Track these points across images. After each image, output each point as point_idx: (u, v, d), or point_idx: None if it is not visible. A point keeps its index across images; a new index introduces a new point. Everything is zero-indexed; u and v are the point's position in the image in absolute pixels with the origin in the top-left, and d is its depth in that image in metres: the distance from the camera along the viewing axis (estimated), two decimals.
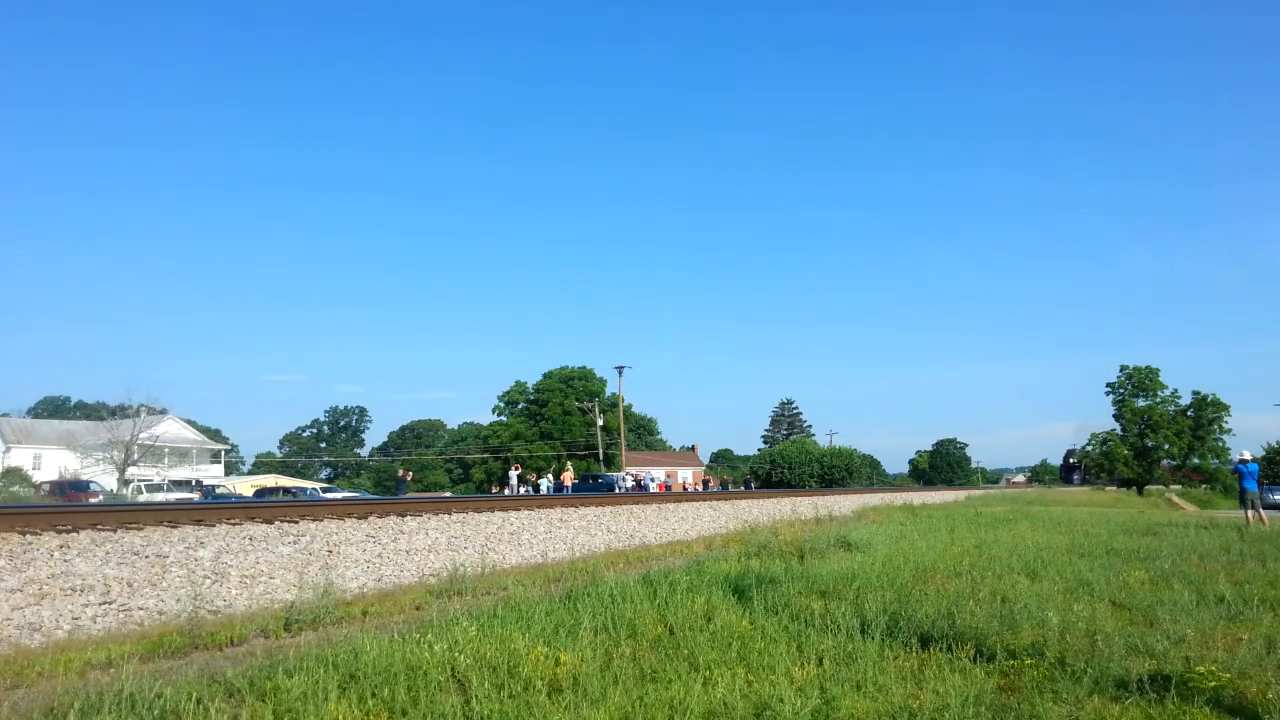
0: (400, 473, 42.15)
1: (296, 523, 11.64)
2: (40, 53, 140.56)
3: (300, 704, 4.15)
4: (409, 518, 13.33)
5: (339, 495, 42.19)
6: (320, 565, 9.79)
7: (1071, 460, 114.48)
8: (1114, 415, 77.22)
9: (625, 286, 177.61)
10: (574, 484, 42.53)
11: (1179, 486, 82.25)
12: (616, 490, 37.98)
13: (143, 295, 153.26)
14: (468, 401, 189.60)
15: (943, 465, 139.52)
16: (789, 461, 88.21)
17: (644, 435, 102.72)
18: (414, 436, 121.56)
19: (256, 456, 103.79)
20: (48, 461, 61.33)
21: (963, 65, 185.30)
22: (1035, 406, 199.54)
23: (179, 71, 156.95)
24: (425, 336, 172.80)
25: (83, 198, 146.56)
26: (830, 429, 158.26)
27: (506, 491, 44.12)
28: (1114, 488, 75.15)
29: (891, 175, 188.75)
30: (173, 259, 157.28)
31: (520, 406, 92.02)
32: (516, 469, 50.00)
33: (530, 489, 44.78)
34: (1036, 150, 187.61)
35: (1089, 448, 79.43)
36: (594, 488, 41.23)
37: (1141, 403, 75.82)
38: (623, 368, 65.91)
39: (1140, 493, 72.67)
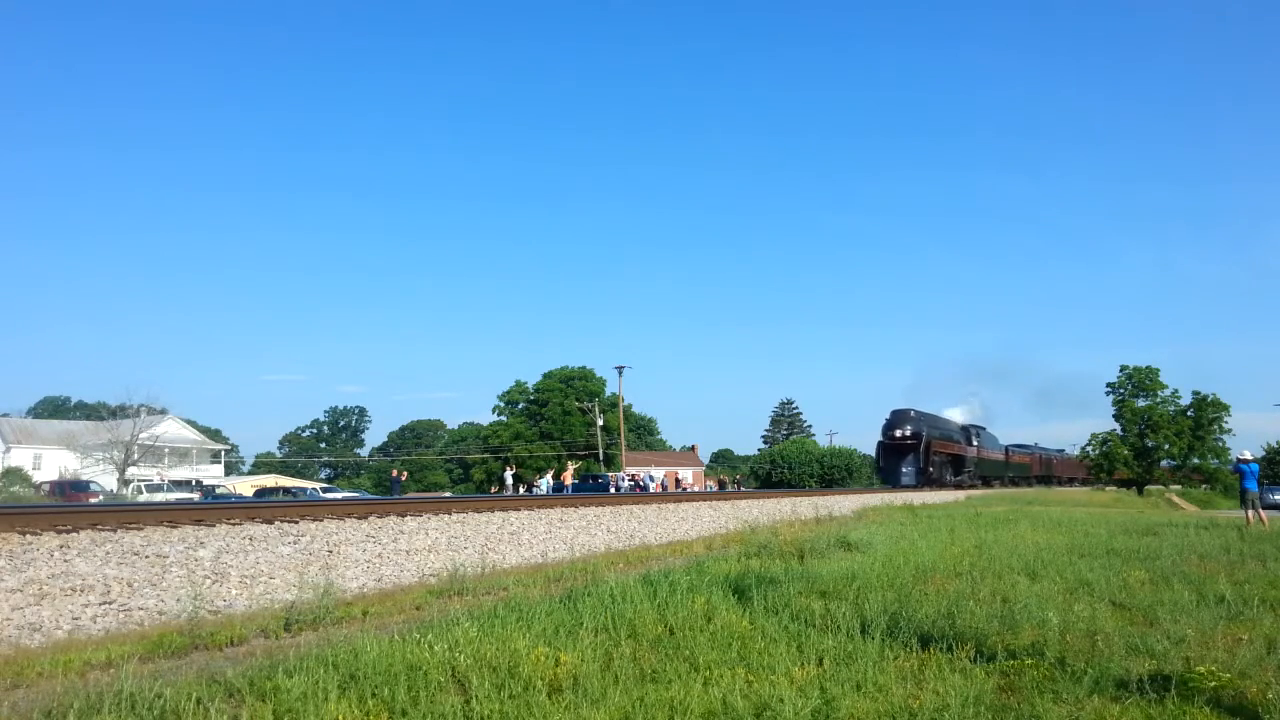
0: (394, 473, 42.24)
1: (296, 523, 11.64)
2: (39, 52, 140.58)
3: (300, 704, 4.15)
4: (409, 518, 13.33)
5: (339, 495, 42.21)
6: (320, 565, 9.78)
7: (901, 435, 49.37)
8: (1114, 415, 77.21)
9: (625, 286, 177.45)
10: (573, 484, 42.53)
11: (1179, 486, 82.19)
12: (611, 491, 37.94)
13: (143, 295, 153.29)
14: (468, 401, 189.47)
15: None
16: (789, 461, 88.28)
17: (644, 435, 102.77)
18: (414, 436, 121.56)
19: (256, 456, 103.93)
20: (48, 461, 61.35)
21: (962, 65, 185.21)
22: (1036, 406, 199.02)
23: (178, 71, 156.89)
24: (425, 336, 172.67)
25: (83, 198, 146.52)
26: (830, 429, 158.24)
27: (505, 492, 44.12)
28: (1114, 488, 75.10)
29: (891, 175, 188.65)
30: (173, 259, 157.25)
31: (520, 406, 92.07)
32: (512, 469, 50.07)
33: (527, 489, 44.78)
34: (1036, 150, 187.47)
35: (1088, 448, 79.18)
36: (593, 488, 41.26)
37: (1141, 403, 75.82)
38: (623, 368, 65.97)
39: (1140, 493, 72.64)
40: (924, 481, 48.28)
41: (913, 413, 51.15)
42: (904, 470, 49.40)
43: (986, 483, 59.84)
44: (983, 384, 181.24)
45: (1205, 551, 11.37)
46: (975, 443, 59.89)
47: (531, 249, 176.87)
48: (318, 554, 10.30)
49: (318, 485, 60.46)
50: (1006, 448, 69.32)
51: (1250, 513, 18.86)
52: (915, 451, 49.21)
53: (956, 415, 65.64)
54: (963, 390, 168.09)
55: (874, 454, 55.04)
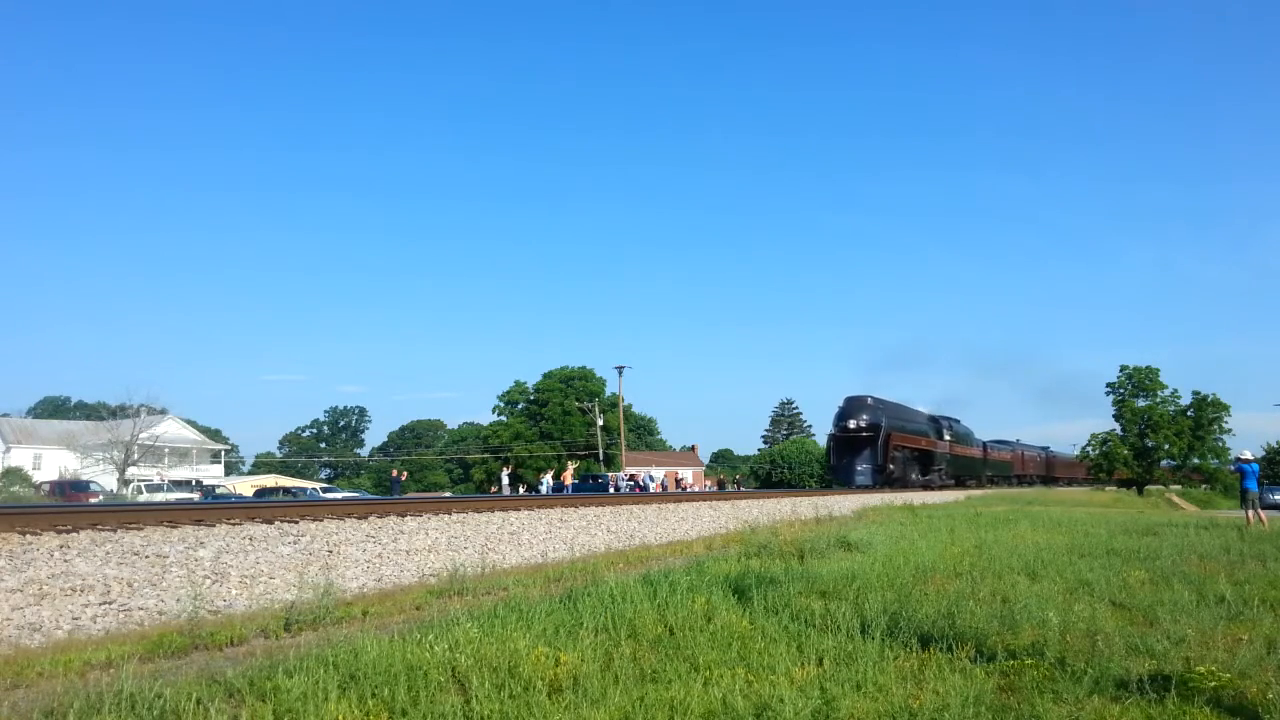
0: (394, 473, 42.31)
1: (296, 523, 11.64)
2: (39, 52, 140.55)
3: (300, 704, 4.15)
4: (409, 518, 13.33)
5: (339, 495, 42.28)
6: (320, 565, 9.78)
7: (855, 426, 42.43)
8: (1114, 415, 77.32)
9: (625, 286, 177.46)
10: (573, 484, 42.59)
11: (1179, 486, 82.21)
12: (610, 491, 37.91)
13: (143, 295, 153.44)
14: (468, 401, 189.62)
15: None
16: (789, 461, 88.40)
17: (644, 435, 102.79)
18: (414, 436, 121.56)
19: (256, 456, 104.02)
20: (48, 461, 61.38)
21: (962, 65, 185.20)
22: (1036, 407, 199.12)
23: (178, 71, 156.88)
24: (425, 336, 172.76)
25: (83, 198, 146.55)
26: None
27: (502, 492, 44.16)
28: (1113, 488, 75.07)
29: (891, 175, 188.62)
30: (173, 259, 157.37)
31: (520, 406, 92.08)
32: (508, 470, 50.22)
33: (528, 489, 44.79)
34: (1036, 150, 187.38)
35: (1088, 448, 78.98)
36: (593, 488, 41.29)
37: (1141, 403, 75.92)
38: (623, 368, 65.87)
39: (1140, 493, 72.67)
40: (882, 481, 41.56)
41: (870, 400, 43.96)
42: (859, 468, 42.24)
43: (960, 482, 53.35)
44: (985, 380, 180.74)
45: (1205, 551, 11.37)
46: (947, 437, 52.84)
47: (531, 249, 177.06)
48: (318, 554, 10.30)
49: (318, 485, 60.50)
50: (984, 443, 63.04)
51: (1250, 513, 18.85)
52: (872, 446, 42.01)
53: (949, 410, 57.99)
54: (956, 383, 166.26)
55: (825, 448, 48.20)
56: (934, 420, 52.51)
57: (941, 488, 47.70)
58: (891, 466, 42.33)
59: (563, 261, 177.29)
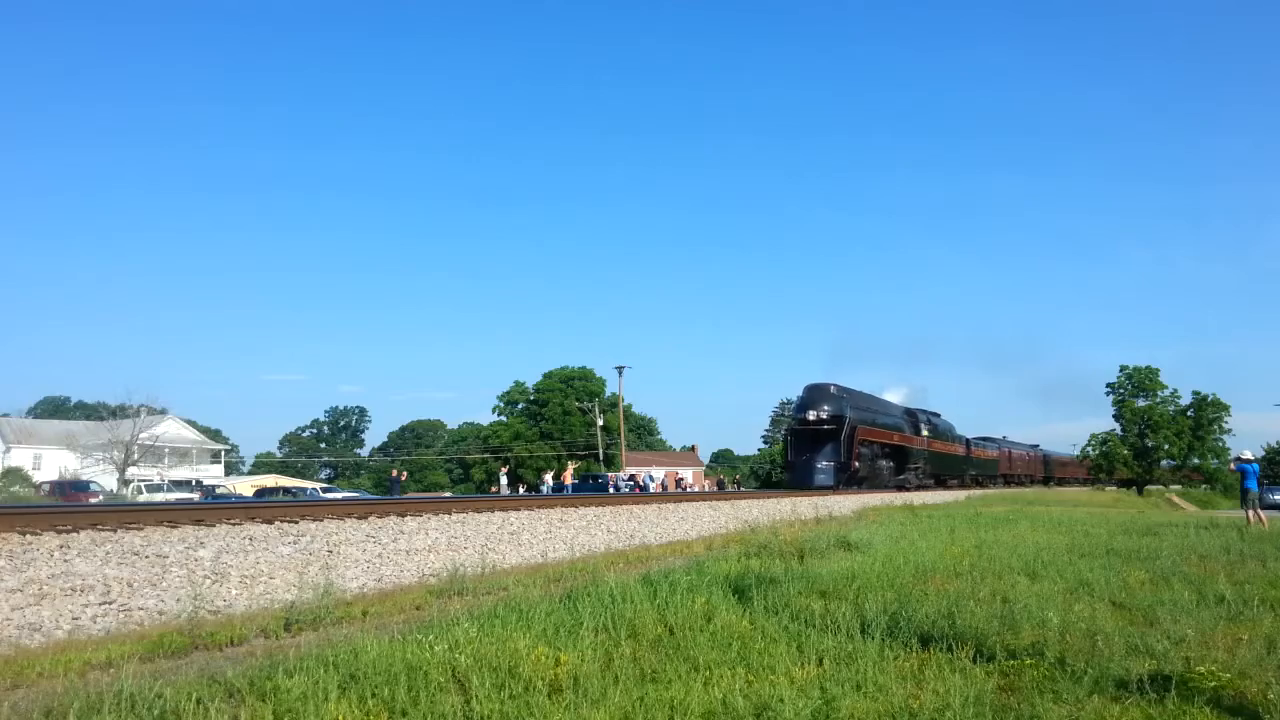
0: (394, 473, 42.35)
1: (296, 523, 11.64)
2: (39, 52, 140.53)
3: (300, 704, 4.15)
4: (409, 518, 13.33)
5: (339, 495, 42.25)
6: (320, 565, 9.78)
7: (816, 418, 37.30)
8: (1114, 415, 77.41)
9: (625, 286, 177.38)
10: (573, 484, 42.64)
11: (1179, 486, 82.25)
12: (610, 491, 37.87)
13: (142, 295, 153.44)
14: (468, 401, 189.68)
15: None
16: None
17: (644, 435, 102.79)
18: (414, 436, 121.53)
19: (256, 456, 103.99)
20: (48, 461, 61.39)
21: (962, 65, 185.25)
22: (1037, 407, 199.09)
23: (178, 70, 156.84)
24: (425, 336, 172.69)
25: (83, 198, 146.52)
26: None
27: (500, 492, 44.20)
28: (1114, 488, 75.09)
29: (891, 175, 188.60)
30: (173, 259, 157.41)
31: (520, 406, 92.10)
32: (505, 469, 50.36)
33: (529, 489, 44.87)
34: (1036, 150, 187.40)
35: (1088, 448, 78.88)
36: (592, 488, 41.33)
37: (1141, 403, 75.99)
38: (623, 368, 65.83)
39: (1140, 493, 72.71)
40: (847, 480, 36.50)
41: (833, 388, 38.66)
42: (819, 465, 36.72)
43: (940, 482, 48.67)
44: (984, 380, 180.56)
45: (1205, 551, 11.37)
46: (924, 432, 47.43)
47: (531, 249, 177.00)
48: (318, 554, 10.30)
49: (318, 485, 60.51)
50: (968, 440, 58.16)
51: (1250, 513, 18.85)
52: (834, 440, 36.67)
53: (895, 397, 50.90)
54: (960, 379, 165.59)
55: (782, 443, 42.39)
56: (909, 413, 47.64)
57: (919, 488, 43.67)
58: (857, 464, 37.40)
59: (563, 261, 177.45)
